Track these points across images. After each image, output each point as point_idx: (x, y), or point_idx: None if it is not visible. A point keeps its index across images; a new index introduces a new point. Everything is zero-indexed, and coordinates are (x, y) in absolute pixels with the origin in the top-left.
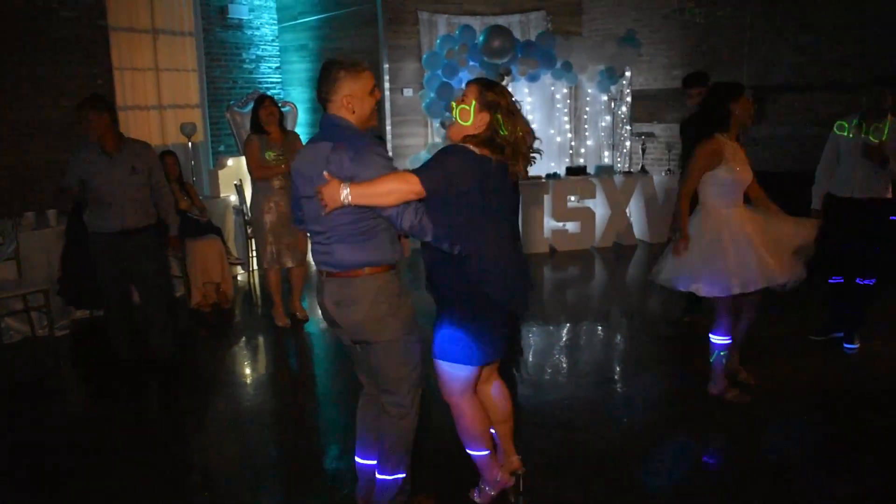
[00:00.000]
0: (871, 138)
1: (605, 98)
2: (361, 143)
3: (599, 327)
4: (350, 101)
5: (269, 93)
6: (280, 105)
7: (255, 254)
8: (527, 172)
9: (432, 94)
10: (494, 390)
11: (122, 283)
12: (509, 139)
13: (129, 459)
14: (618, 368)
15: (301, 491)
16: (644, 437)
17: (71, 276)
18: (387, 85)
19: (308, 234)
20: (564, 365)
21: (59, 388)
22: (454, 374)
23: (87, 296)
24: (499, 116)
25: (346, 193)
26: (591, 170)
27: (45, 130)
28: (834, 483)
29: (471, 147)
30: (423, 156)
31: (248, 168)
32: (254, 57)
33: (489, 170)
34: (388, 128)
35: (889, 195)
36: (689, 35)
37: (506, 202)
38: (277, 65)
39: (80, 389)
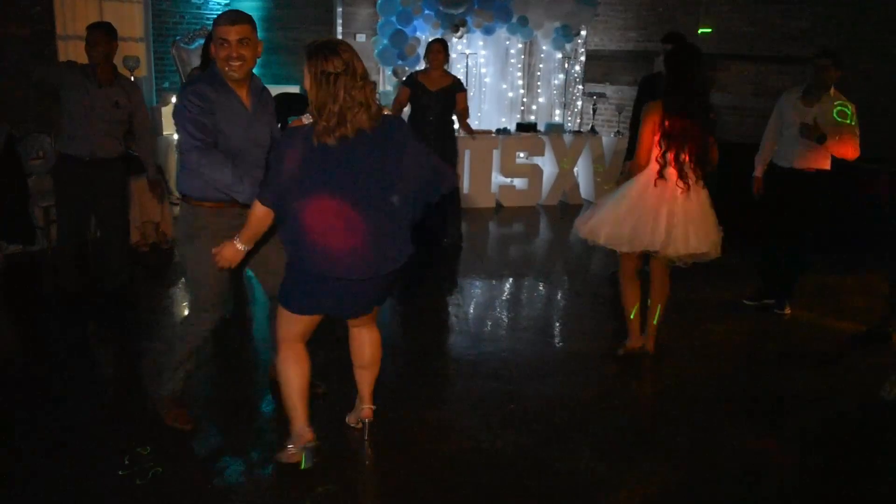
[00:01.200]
0: (800, 105)
1: (559, 56)
2: (183, 87)
3: (541, 284)
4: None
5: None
6: None
7: None
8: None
9: (385, 41)
10: (362, 335)
11: (84, 214)
12: (321, 107)
13: (63, 399)
14: (557, 325)
15: (233, 428)
16: (575, 392)
17: (4, 209)
18: (339, 29)
19: None
20: (504, 319)
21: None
22: (282, 315)
23: (20, 230)
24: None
25: (241, 248)
26: (541, 127)
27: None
28: (752, 435)
29: (303, 122)
30: None
31: None
32: None
33: (312, 146)
34: None
35: (828, 167)
36: None
37: (347, 173)
38: (227, 1)
39: (12, 327)
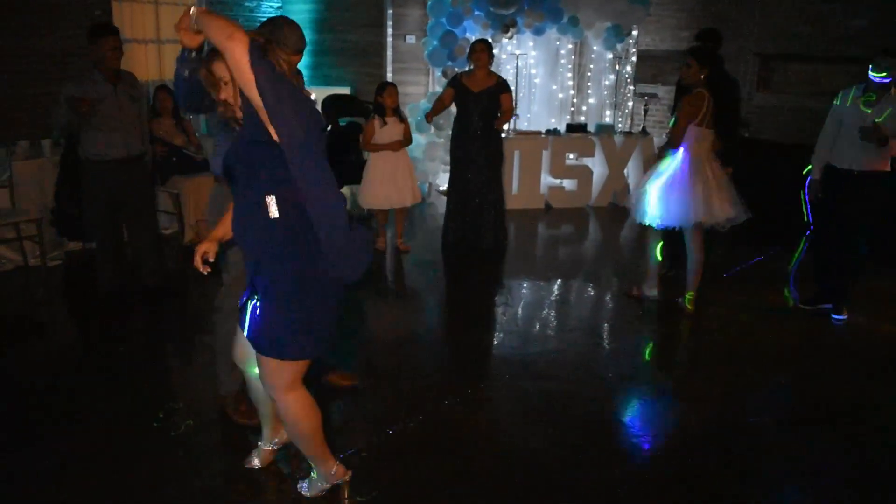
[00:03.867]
0: (861, 106)
1: (610, 56)
2: None
3: (590, 285)
4: None
5: None
6: None
7: None
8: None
9: (435, 42)
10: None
11: (115, 213)
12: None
13: (113, 390)
14: (605, 326)
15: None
16: (622, 394)
17: (64, 207)
18: (389, 31)
19: None
20: (552, 320)
21: (48, 319)
22: (270, 367)
23: (80, 227)
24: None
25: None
26: (591, 128)
27: (40, 59)
28: (801, 441)
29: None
30: (423, 105)
31: None
32: None
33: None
34: (389, 74)
35: (888, 168)
36: None
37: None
38: (279, 5)
39: (69, 320)
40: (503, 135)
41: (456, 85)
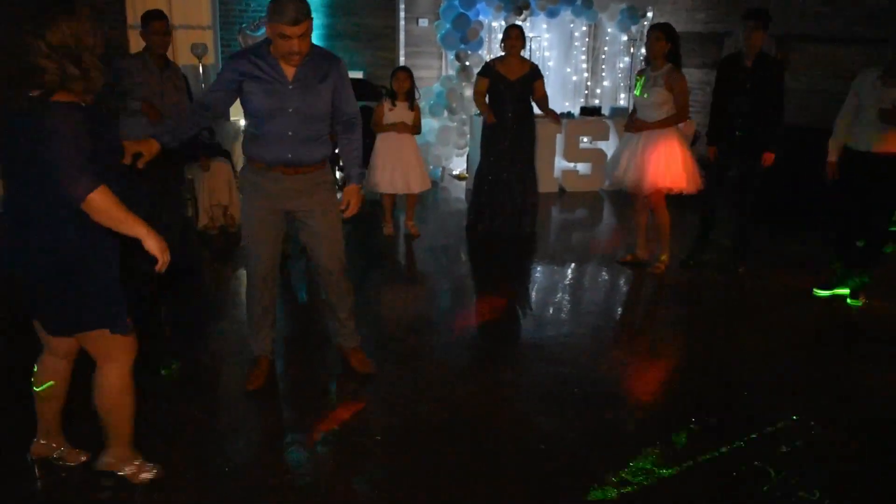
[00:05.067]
0: (880, 88)
1: (624, 38)
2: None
3: (603, 269)
4: None
5: None
6: None
7: None
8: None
9: (448, 26)
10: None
11: (152, 197)
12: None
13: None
14: (619, 310)
15: (302, 408)
16: (636, 377)
17: None
18: (402, 14)
19: None
20: (567, 303)
21: None
22: (105, 341)
23: None
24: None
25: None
26: (605, 111)
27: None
28: (814, 422)
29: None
30: (436, 88)
31: None
32: None
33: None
34: (402, 58)
35: None
36: None
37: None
38: None
39: None
40: (535, 122)
41: (489, 73)
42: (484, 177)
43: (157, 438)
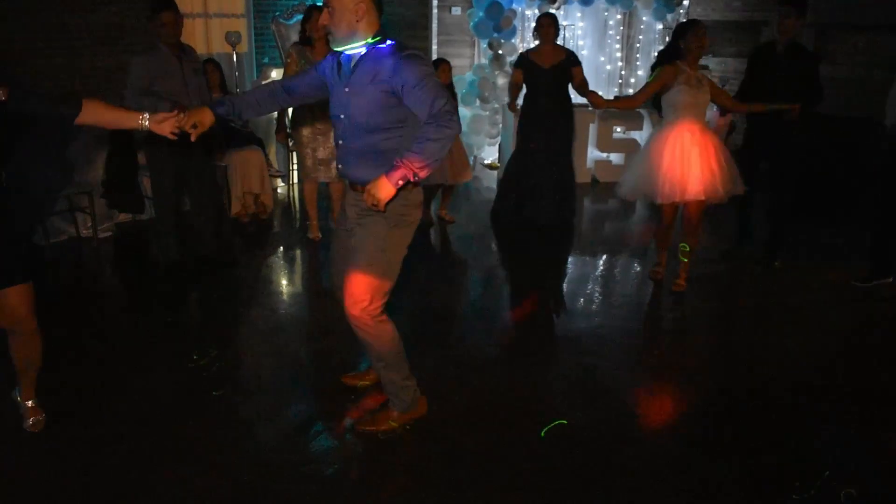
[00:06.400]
0: None
1: (659, 27)
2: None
3: (636, 261)
4: None
5: (318, 4)
6: None
7: (295, 167)
8: None
9: (481, 14)
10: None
11: (179, 187)
12: None
13: (161, 363)
14: (651, 303)
15: (330, 395)
16: (668, 370)
17: (114, 180)
18: (434, 2)
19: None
20: (598, 296)
21: (101, 289)
22: (27, 294)
23: (130, 200)
24: None
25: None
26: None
27: (90, 35)
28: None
29: None
30: (469, 76)
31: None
32: None
33: None
34: (434, 47)
35: None
36: None
37: None
38: None
39: (120, 291)
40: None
41: (524, 63)
42: (518, 165)
43: (188, 421)
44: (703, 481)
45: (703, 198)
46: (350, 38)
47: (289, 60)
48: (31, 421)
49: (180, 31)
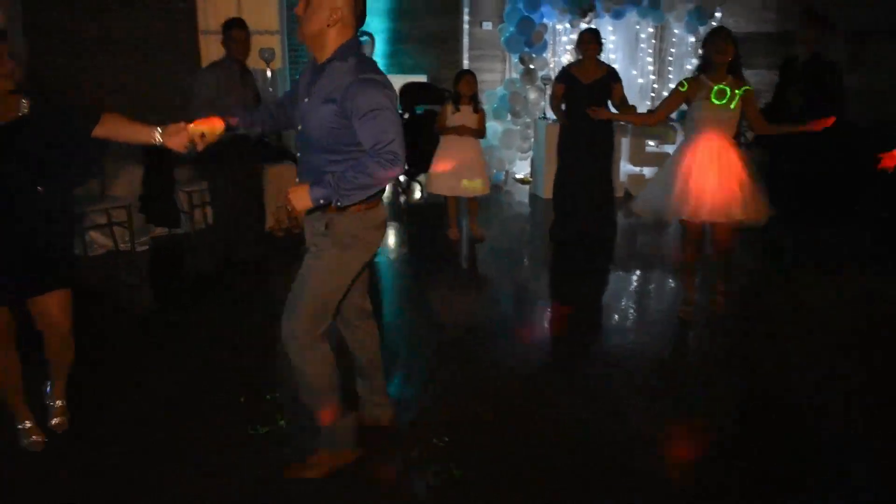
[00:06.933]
0: None
1: (692, 39)
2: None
3: (670, 276)
4: None
5: None
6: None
7: None
8: None
9: (512, 29)
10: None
11: (230, 194)
12: None
13: (183, 369)
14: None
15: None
16: (704, 387)
17: (151, 194)
18: (466, 17)
19: None
20: (632, 311)
21: (141, 299)
22: None
23: (166, 214)
24: None
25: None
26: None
27: (123, 48)
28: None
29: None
30: (500, 91)
31: None
32: None
33: None
34: (466, 61)
35: None
36: None
37: None
38: None
39: (157, 302)
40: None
41: (565, 78)
42: (562, 182)
43: (211, 429)
44: (704, 481)
45: (722, 219)
46: (316, 38)
47: None
48: (55, 420)
49: (249, 49)
